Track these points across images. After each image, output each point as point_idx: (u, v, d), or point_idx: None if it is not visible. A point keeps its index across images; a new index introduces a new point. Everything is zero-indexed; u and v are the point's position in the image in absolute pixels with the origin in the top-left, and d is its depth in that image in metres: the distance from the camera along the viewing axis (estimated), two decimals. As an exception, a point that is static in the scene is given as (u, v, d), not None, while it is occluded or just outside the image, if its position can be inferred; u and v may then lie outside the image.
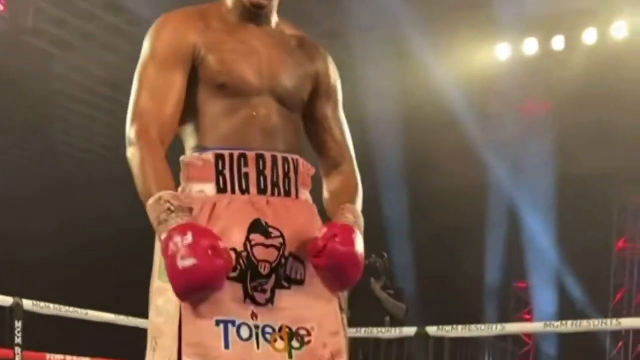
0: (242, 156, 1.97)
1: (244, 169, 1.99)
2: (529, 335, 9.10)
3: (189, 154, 1.95)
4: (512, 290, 9.69)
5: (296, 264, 1.93)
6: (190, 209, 1.82)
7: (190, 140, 1.98)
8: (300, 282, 1.93)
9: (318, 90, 2.11)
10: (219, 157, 1.95)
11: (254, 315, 1.88)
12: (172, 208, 1.78)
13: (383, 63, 7.22)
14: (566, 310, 6.56)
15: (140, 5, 6.77)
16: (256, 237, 1.90)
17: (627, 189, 8.60)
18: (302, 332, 1.92)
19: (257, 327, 1.87)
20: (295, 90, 2.06)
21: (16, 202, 8.81)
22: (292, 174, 2.03)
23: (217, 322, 1.86)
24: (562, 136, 7.60)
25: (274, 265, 1.89)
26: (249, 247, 1.89)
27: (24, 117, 7.90)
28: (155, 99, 1.89)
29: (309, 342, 1.92)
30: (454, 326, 5.05)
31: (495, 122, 7.63)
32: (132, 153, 1.83)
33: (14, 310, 4.69)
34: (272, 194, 1.97)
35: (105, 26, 7.33)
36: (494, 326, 5.58)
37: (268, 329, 1.89)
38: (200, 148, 1.96)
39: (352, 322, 6.22)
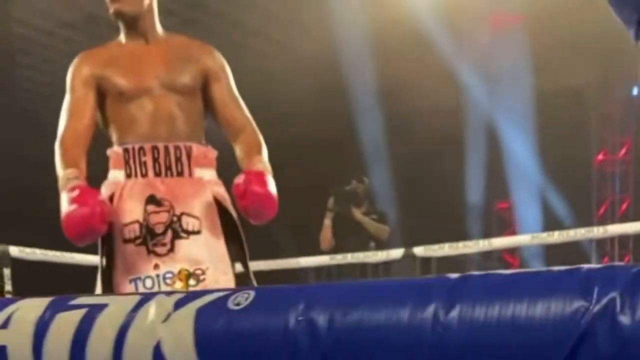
0: (141, 149, 2.63)
1: (143, 159, 2.64)
2: (513, 256, 9.18)
3: (110, 148, 2.68)
4: (494, 211, 9.74)
5: (192, 220, 2.56)
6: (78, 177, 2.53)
7: (113, 138, 2.69)
8: (197, 233, 2.55)
9: (209, 78, 2.75)
10: (125, 151, 2.63)
11: (156, 267, 2.48)
12: (70, 177, 2.48)
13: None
14: (550, 228, 6.61)
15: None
16: (150, 208, 2.55)
17: (604, 100, 8.62)
18: (198, 272, 2.48)
19: (158, 275, 2.47)
20: (184, 83, 2.71)
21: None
22: (184, 159, 2.66)
23: (130, 281, 2.48)
24: (537, 50, 7.54)
25: (166, 224, 2.53)
26: (146, 216, 2.53)
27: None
28: (72, 117, 2.65)
29: (204, 279, 2.48)
30: (441, 245, 5.09)
31: (468, 40, 7.55)
32: (55, 157, 2.57)
33: (1, 259, 4.67)
34: (166, 175, 2.61)
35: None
36: (480, 242, 5.61)
37: (169, 275, 2.47)
38: (118, 143, 2.67)
39: (337, 250, 6.24)
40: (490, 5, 7.49)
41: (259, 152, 2.80)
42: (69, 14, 7.97)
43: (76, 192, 2.42)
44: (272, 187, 2.63)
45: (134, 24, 2.75)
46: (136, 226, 2.53)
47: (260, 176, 2.65)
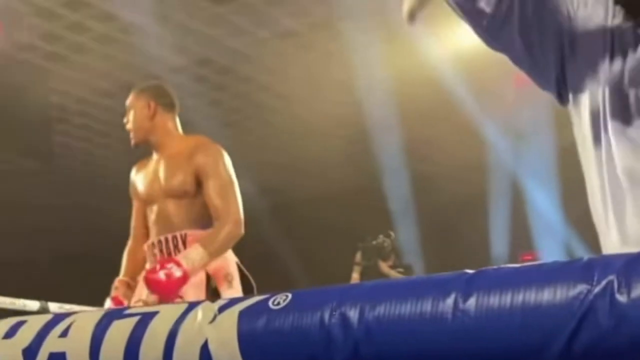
0: (152, 244, 3.40)
1: (154, 251, 3.37)
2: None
3: None
4: (519, 262, 9.73)
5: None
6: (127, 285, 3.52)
7: None
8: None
9: (200, 175, 3.34)
10: (147, 247, 3.44)
11: None
12: (115, 285, 3.48)
13: (375, 49, 7.28)
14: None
15: (131, 12, 6.82)
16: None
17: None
18: None
19: None
20: (177, 188, 3.39)
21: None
22: (180, 245, 3.31)
23: None
24: (558, 107, 7.64)
25: None
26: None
27: (24, 131, 7.95)
28: (132, 229, 3.67)
29: None
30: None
31: (492, 97, 7.69)
32: None
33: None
34: None
35: (97, 36, 7.39)
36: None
37: None
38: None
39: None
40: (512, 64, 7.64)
41: (204, 244, 3.24)
42: (104, 83, 8.22)
43: (109, 301, 3.41)
44: (162, 273, 3.14)
45: (149, 143, 3.56)
46: (140, 303, 3.18)
47: (167, 262, 3.18)
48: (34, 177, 9.69)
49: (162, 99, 3.62)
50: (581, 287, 0.94)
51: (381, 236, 6.46)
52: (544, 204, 8.67)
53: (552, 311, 0.94)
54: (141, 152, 3.75)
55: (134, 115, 3.53)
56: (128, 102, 3.59)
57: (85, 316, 1.23)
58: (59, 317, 1.25)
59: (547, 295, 0.96)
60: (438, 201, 9.00)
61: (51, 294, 5.54)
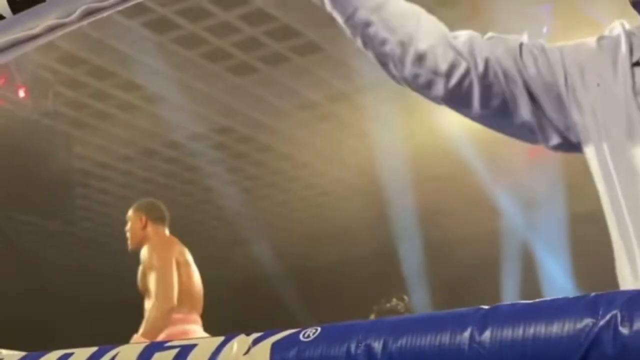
0: None
1: None
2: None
3: None
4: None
5: None
6: None
7: None
8: None
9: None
10: None
11: None
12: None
13: (390, 119, 7.44)
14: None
15: (154, 81, 7.03)
16: None
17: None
18: None
19: None
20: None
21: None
22: None
23: None
24: (569, 175, 7.76)
25: None
26: None
27: (46, 194, 8.12)
28: None
29: None
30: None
31: (505, 167, 7.80)
32: None
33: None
34: None
35: (120, 104, 7.61)
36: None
37: None
38: None
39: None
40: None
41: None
42: (125, 149, 8.41)
43: None
44: None
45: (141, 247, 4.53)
46: None
47: None
48: (54, 239, 9.84)
49: (152, 214, 4.63)
50: (587, 321, 1.04)
51: (394, 299, 6.58)
52: (555, 272, 8.72)
53: (561, 342, 1.04)
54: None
55: (131, 225, 4.63)
56: (128, 215, 4.66)
57: (129, 348, 1.32)
58: (104, 349, 1.34)
59: (556, 328, 1.05)
60: (450, 267, 9.05)
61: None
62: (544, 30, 6.64)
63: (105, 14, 1.42)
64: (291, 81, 7.13)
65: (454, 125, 7.40)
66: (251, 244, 10.21)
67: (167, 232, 4.73)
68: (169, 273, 4.40)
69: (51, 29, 1.47)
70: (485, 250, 8.59)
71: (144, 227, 4.55)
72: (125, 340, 3.63)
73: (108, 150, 8.45)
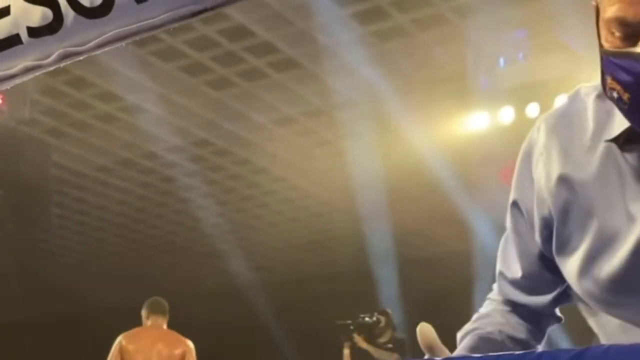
0: None
1: None
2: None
3: None
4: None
5: None
6: None
7: None
8: None
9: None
10: None
11: None
12: None
13: (366, 137, 7.52)
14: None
15: (134, 93, 7.07)
16: None
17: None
18: None
19: None
20: None
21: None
22: None
23: None
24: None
25: None
26: None
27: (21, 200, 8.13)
28: None
29: None
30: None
31: (479, 189, 7.90)
32: None
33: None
34: None
35: (99, 115, 7.63)
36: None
37: None
38: None
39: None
40: (499, 158, 7.89)
41: None
42: (102, 158, 8.44)
43: None
44: None
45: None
46: None
47: None
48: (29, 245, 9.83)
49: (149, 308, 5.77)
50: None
51: (376, 314, 6.66)
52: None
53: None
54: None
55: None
56: None
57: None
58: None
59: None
60: (424, 286, 9.14)
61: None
62: (520, 56, 6.75)
63: (82, 57, 1.48)
64: (269, 96, 7.20)
65: (429, 146, 7.50)
66: (226, 257, 10.25)
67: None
68: None
69: (28, 70, 1.54)
70: (459, 270, 8.68)
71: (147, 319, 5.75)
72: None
73: (85, 160, 8.48)
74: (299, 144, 7.97)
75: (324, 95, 7.00)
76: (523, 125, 7.41)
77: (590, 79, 1.37)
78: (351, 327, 6.58)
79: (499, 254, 1.47)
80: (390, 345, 6.54)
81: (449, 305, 9.18)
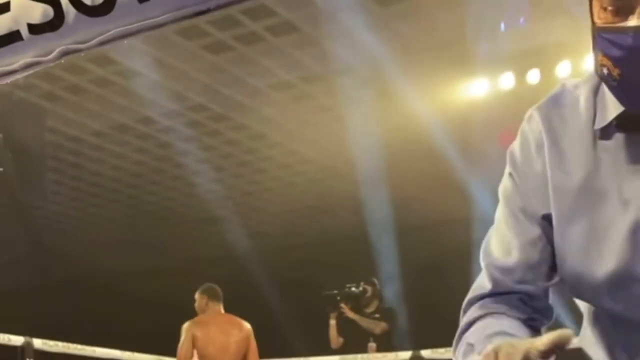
0: None
1: None
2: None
3: None
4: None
5: None
6: None
7: None
8: None
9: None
10: None
11: None
12: None
13: (365, 103, 7.46)
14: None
15: (129, 57, 6.98)
16: None
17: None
18: None
19: None
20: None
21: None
22: None
23: None
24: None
25: None
26: None
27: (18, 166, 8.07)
28: None
29: None
30: (447, 349, 5.25)
31: (478, 156, 7.87)
32: None
33: (25, 350, 4.85)
34: None
35: (94, 79, 7.55)
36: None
37: None
38: None
39: (345, 351, 6.48)
40: (498, 123, 7.84)
41: None
42: (97, 123, 8.37)
43: None
44: None
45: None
46: None
47: None
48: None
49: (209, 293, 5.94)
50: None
51: (362, 284, 6.62)
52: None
53: None
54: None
55: (198, 305, 5.90)
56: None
57: None
58: None
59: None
60: (422, 253, 9.14)
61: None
62: (521, 21, 6.67)
63: (82, 53, 1.47)
64: (266, 61, 7.11)
65: (428, 112, 7.45)
66: (223, 223, 10.22)
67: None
68: None
69: (28, 66, 1.54)
70: (458, 237, 8.67)
71: (206, 305, 5.85)
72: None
73: (81, 124, 8.40)
74: (297, 109, 7.91)
75: (322, 61, 6.92)
76: (523, 91, 7.37)
77: (590, 46, 1.34)
78: (338, 298, 6.56)
79: (486, 246, 1.40)
80: (377, 315, 6.54)
81: (447, 272, 9.21)
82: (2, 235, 9.01)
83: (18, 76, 1.58)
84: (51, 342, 5.07)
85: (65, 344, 5.17)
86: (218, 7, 1.34)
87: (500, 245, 1.36)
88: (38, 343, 4.96)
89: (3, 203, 8.85)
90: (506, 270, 1.34)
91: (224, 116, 8.17)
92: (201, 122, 8.27)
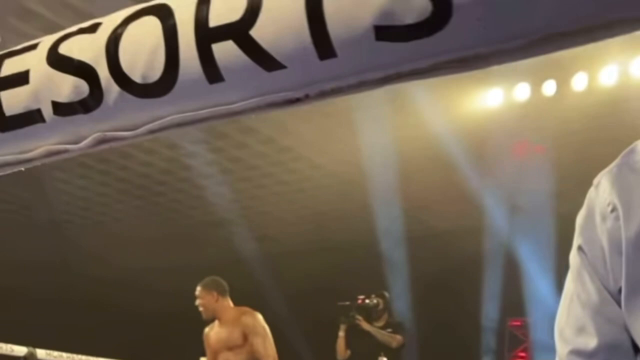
0: None
1: None
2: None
3: None
4: (507, 328, 9.83)
5: None
6: None
7: None
8: None
9: (248, 332, 5.11)
10: None
11: None
12: None
13: (379, 111, 7.36)
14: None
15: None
16: None
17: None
18: None
19: None
20: (230, 341, 5.15)
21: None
22: None
23: None
24: (557, 177, 7.74)
25: None
26: None
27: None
28: None
29: None
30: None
31: (491, 164, 7.78)
32: None
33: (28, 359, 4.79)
34: None
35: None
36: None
37: None
38: None
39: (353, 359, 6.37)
40: (513, 134, 7.75)
41: None
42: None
43: None
44: None
45: (214, 317, 5.34)
46: None
47: None
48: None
49: (221, 289, 5.56)
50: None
51: (373, 296, 6.49)
52: (536, 272, 8.72)
53: None
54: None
55: (204, 301, 5.47)
56: (198, 293, 5.46)
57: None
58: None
59: None
60: (431, 262, 9.05)
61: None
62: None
63: (125, 143, 1.18)
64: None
65: (441, 121, 7.34)
66: (229, 226, 10.12)
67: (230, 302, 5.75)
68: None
69: (51, 154, 1.18)
70: (468, 247, 8.59)
71: (217, 301, 5.47)
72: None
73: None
74: (307, 114, 7.81)
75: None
76: (539, 102, 7.27)
77: (607, 57, 1.24)
78: (351, 313, 6.40)
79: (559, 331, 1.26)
80: (389, 330, 6.41)
81: (457, 281, 9.11)
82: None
83: (36, 164, 1.25)
84: (55, 353, 5.00)
85: (69, 354, 5.09)
86: (318, 97, 0.99)
87: (575, 324, 1.23)
88: (42, 353, 4.88)
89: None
90: (586, 354, 1.21)
91: (233, 119, 8.07)
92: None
